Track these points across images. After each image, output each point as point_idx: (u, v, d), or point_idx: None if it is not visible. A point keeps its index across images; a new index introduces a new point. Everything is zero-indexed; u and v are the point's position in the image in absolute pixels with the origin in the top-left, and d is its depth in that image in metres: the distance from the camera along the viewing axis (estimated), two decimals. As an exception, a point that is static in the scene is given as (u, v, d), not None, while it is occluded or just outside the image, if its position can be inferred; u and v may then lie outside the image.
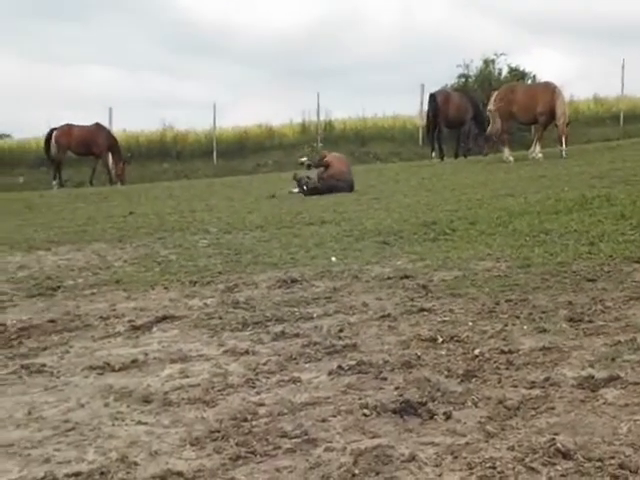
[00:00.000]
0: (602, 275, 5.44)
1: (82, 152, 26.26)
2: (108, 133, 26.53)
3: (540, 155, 19.19)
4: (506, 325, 4.37)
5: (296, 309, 5.13)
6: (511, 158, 19.35)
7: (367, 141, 31.79)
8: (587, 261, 5.92)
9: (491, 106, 20.13)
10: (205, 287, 6.13)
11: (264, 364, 3.96)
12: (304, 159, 14.90)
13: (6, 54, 63.54)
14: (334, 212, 10.56)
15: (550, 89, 19.55)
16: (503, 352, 3.85)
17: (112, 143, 25.96)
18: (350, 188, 14.61)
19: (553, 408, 3.10)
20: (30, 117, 53.61)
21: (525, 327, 4.30)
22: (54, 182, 25.53)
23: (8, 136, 37.68)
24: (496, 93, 20.52)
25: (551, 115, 19.35)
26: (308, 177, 14.98)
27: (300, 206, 11.87)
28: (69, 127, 25.87)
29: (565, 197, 9.64)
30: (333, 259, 6.88)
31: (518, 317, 4.52)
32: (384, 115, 35.93)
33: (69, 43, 62.07)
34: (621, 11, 62.51)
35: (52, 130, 25.99)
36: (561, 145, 18.99)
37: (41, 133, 33.71)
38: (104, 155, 25.80)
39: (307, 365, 3.92)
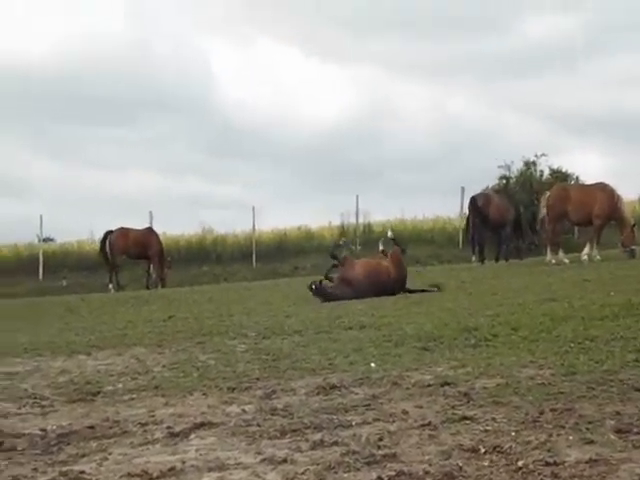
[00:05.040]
0: (650, 384, 5.31)
1: (137, 255, 26.74)
2: (158, 237, 26.99)
3: (585, 257, 19.00)
4: (551, 435, 4.26)
5: (335, 416, 5.05)
6: (555, 260, 19.19)
7: (406, 243, 31.77)
8: (635, 369, 5.79)
9: (543, 206, 20.00)
10: (243, 393, 6.08)
11: (302, 473, 3.89)
12: (342, 240, 14.26)
13: (46, 159, 65.20)
14: (373, 316, 10.50)
15: (608, 190, 19.43)
16: (548, 464, 3.75)
17: (161, 247, 26.40)
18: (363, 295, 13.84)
19: (602, 524, 3.00)
20: (71, 221, 54.70)
21: (571, 438, 4.19)
22: (110, 285, 25.71)
23: (52, 240, 38.35)
24: (548, 193, 20.38)
25: (607, 217, 19.24)
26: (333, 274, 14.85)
27: (339, 310, 11.84)
28: (125, 230, 26.31)
29: (611, 302, 9.48)
30: (372, 365, 6.81)
31: (563, 427, 4.40)
32: (424, 217, 35.99)
33: (108, 147, 63.35)
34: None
35: (107, 233, 26.36)
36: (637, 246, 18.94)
37: (83, 237, 34.50)
38: (156, 258, 26.16)
39: (346, 475, 3.85)
